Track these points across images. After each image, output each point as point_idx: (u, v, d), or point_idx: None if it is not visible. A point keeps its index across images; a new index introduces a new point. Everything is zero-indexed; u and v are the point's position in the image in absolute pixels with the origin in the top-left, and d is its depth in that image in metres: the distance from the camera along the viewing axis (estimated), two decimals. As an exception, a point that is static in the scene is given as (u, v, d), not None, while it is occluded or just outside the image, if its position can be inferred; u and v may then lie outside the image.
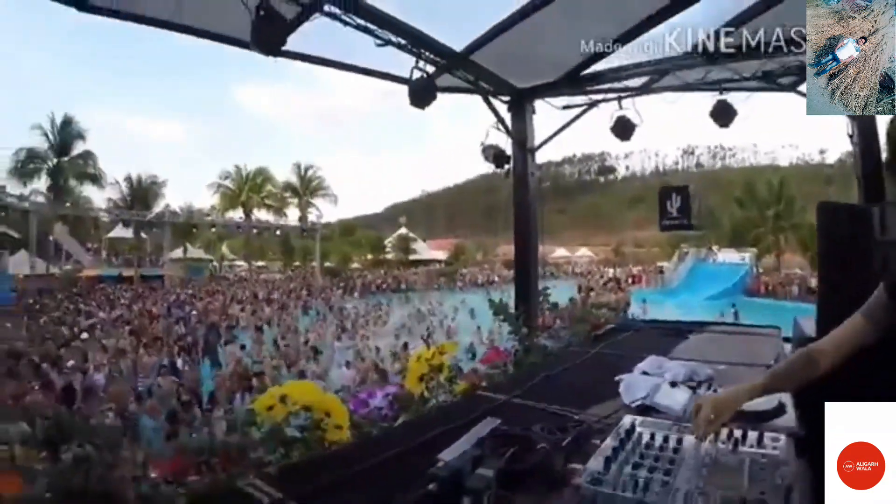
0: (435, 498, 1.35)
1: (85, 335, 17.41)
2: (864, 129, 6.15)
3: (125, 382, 11.35)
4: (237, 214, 47.62)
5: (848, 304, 2.10)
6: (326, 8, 4.89)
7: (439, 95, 5.92)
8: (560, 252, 54.63)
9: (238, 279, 44.39)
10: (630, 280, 39.93)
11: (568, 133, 7.82)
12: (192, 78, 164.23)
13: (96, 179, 42.16)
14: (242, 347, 16.77)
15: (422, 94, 5.62)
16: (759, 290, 32.27)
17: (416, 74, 5.56)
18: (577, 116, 7.42)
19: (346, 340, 18.29)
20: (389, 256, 51.16)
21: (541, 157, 7.71)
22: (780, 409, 1.81)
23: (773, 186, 42.33)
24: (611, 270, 45.47)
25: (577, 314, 4.31)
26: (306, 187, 49.61)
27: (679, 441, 1.50)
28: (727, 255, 37.95)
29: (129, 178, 44.47)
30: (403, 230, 54.17)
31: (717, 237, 42.84)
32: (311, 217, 48.45)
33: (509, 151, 7.34)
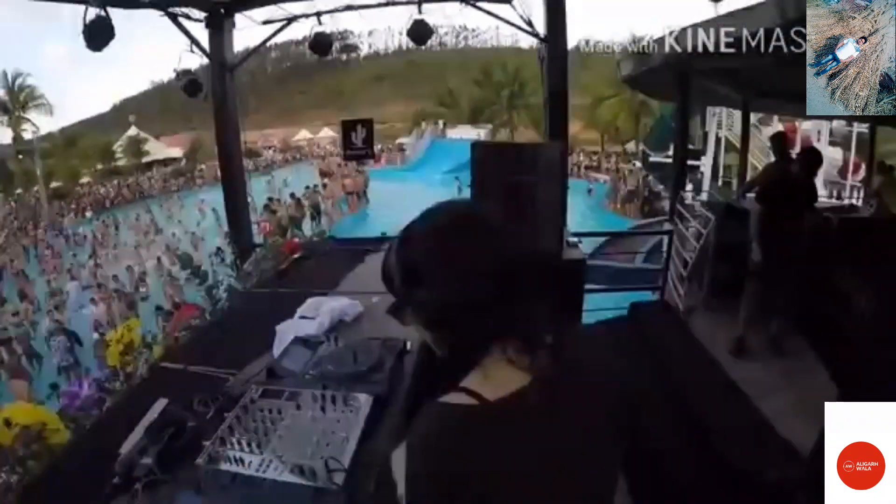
0: (120, 488, 1.72)
1: None
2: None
3: None
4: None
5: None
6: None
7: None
8: (303, 134, 52.72)
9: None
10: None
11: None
12: None
13: None
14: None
15: (98, 35, 5.19)
16: (494, 162, 34.85)
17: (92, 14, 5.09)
18: (277, 31, 7.35)
19: (85, 275, 16.83)
20: (122, 163, 46.00)
21: (282, 37, 7.46)
22: (375, 368, 2.09)
23: (508, 70, 44.70)
24: (353, 151, 45.48)
25: (262, 253, 4.52)
26: (17, 100, 41.32)
27: (280, 411, 1.84)
28: (464, 132, 38.73)
29: None
30: (133, 130, 48.57)
31: (456, 115, 44.79)
32: (27, 134, 40.88)
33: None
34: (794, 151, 5.98)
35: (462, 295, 0.93)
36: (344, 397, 1.86)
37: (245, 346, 2.71)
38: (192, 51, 6.82)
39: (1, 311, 14.89)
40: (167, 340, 3.17)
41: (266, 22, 7.25)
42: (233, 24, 7.14)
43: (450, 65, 59.96)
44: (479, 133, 37.76)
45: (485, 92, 45.18)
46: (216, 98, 7.13)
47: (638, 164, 29.42)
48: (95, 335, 11.84)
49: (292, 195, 22.31)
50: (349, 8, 7.07)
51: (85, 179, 43.80)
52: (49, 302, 15.24)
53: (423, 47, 7.63)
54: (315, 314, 2.77)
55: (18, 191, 41.23)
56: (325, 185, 26.14)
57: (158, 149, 49.25)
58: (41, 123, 42.24)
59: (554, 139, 6.43)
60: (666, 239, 6.74)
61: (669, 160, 18.08)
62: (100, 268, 17.14)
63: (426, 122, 41.95)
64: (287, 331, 2.61)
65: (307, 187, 23.08)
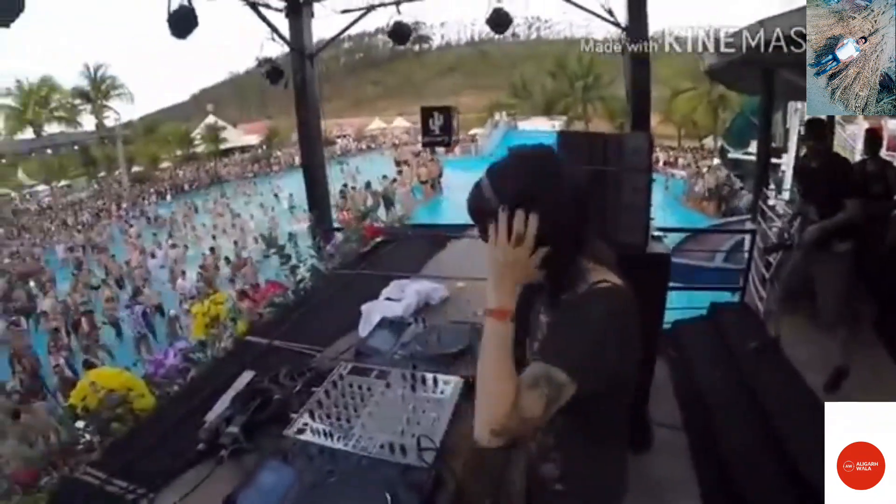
0: (204, 454, 1.79)
1: None
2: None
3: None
4: (27, 134, 40.81)
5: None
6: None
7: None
8: (376, 124, 53.22)
9: (41, 208, 38.37)
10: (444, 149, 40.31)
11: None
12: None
13: None
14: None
15: (182, 23, 5.33)
16: (569, 154, 34.41)
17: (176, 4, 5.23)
18: (358, 19, 7.39)
19: (161, 256, 17.58)
20: (200, 149, 47.73)
21: (355, 28, 7.61)
22: (464, 352, 2.12)
23: (583, 61, 43.86)
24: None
25: (345, 236, 4.61)
26: (98, 90, 43.28)
27: (369, 389, 1.86)
28: (538, 123, 38.78)
29: None
30: (211, 118, 50.17)
31: (530, 106, 44.34)
32: (108, 121, 42.82)
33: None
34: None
35: (577, 212, 1.20)
36: (434, 378, 1.87)
37: (329, 324, 2.75)
38: (272, 39, 6.96)
39: (84, 285, 15.73)
40: (251, 316, 3.28)
41: (345, 11, 7.33)
42: (311, 13, 7.27)
43: (522, 56, 59.32)
44: (553, 125, 37.24)
45: (559, 83, 44.44)
46: (297, 85, 7.26)
47: (717, 160, 28.40)
48: (179, 310, 12.46)
49: (368, 184, 22.74)
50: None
51: (165, 164, 45.56)
52: (134, 274, 16.04)
53: (497, 37, 7.58)
54: (400, 296, 2.78)
55: (102, 174, 43.40)
56: (400, 173, 26.50)
57: (236, 136, 50.80)
58: (123, 111, 44.23)
59: (637, 130, 6.27)
60: (748, 238, 6.47)
61: (749, 157, 17.30)
62: (178, 248, 17.85)
63: (499, 113, 41.60)
64: (372, 311, 2.63)
65: (384, 176, 23.46)
